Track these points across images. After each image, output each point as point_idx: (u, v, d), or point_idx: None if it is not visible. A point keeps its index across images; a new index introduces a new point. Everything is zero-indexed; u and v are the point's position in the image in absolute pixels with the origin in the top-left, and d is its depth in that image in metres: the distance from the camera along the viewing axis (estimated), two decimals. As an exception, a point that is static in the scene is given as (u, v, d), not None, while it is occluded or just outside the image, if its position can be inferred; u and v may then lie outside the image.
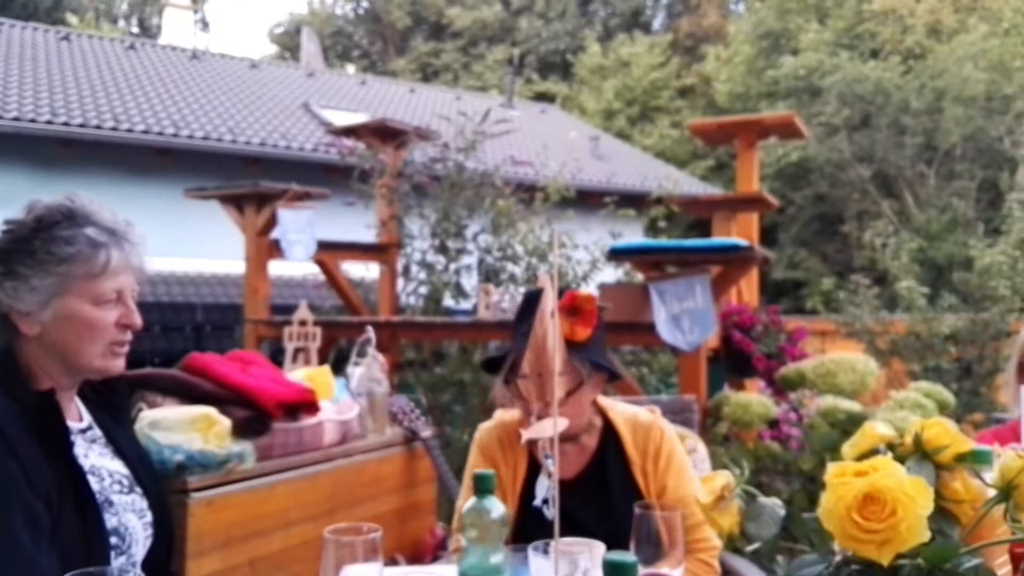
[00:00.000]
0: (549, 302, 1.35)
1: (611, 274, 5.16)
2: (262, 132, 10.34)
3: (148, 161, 9.34)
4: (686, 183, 12.31)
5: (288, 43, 24.28)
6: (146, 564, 1.45)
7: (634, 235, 7.22)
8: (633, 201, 6.11)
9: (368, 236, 4.97)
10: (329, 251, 4.56)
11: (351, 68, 22.37)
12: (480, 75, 20.62)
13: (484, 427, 1.95)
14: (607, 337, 3.61)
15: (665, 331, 3.31)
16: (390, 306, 4.73)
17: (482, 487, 1.32)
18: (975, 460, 1.12)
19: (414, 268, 4.81)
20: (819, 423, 3.61)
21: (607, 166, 12.12)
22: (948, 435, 1.14)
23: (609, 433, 1.86)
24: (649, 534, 1.31)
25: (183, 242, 8.31)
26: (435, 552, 2.71)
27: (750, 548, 1.20)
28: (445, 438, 4.21)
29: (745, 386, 4.10)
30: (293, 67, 15.44)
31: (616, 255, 3.76)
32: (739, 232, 4.42)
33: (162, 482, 1.66)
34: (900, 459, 1.16)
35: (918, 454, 1.15)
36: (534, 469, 1.85)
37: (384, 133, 4.76)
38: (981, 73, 11.99)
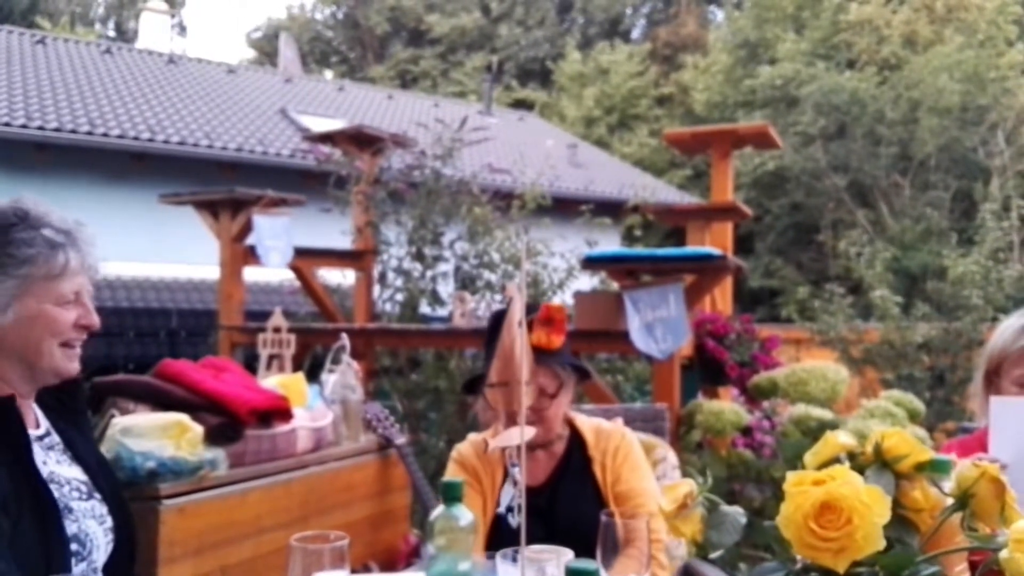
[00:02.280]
0: (517, 312, 1.36)
1: (587, 282, 5.17)
2: (239, 138, 10.28)
3: (124, 166, 9.26)
4: (664, 192, 12.37)
5: (266, 48, 24.14)
6: (108, 570, 1.44)
7: (611, 243, 7.24)
8: (610, 209, 6.14)
9: (344, 243, 4.95)
10: (305, 258, 4.55)
11: (329, 74, 22.29)
12: (459, 82, 20.62)
13: (461, 444, 2.02)
14: (582, 345, 3.65)
15: (639, 339, 3.33)
16: (366, 313, 4.72)
17: (450, 495, 1.32)
18: (934, 469, 1.14)
19: (390, 275, 4.81)
20: (791, 431, 3.65)
21: (585, 174, 12.16)
22: (908, 444, 1.15)
23: (575, 440, 1.97)
24: (615, 541, 1.32)
25: (159, 247, 8.25)
26: (408, 559, 2.71)
27: (713, 555, 1.22)
28: (421, 445, 4.20)
29: (719, 394, 4.12)
30: (271, 72, 15.37)
31: (591, 263, 3.78)
32: (713, 241, 4.45)
33: (126, 488, 1.65)
34: (861, 468, 1.18)
35: (878, 463, 1.17)
36: (508, 479, 1.91)
37: (361, 140, 4.76)
38: (956, 84, 12.14)
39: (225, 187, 4.45)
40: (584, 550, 1.31)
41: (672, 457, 2.38)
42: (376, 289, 4.84)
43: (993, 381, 1.83)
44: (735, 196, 12.82)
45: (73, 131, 8.90)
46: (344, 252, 4.89)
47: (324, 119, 11.09)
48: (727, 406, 3.63)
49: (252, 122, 11.09)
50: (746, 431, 3.81)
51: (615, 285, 4.37)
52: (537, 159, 7.00)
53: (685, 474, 3.49)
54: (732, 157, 4.74)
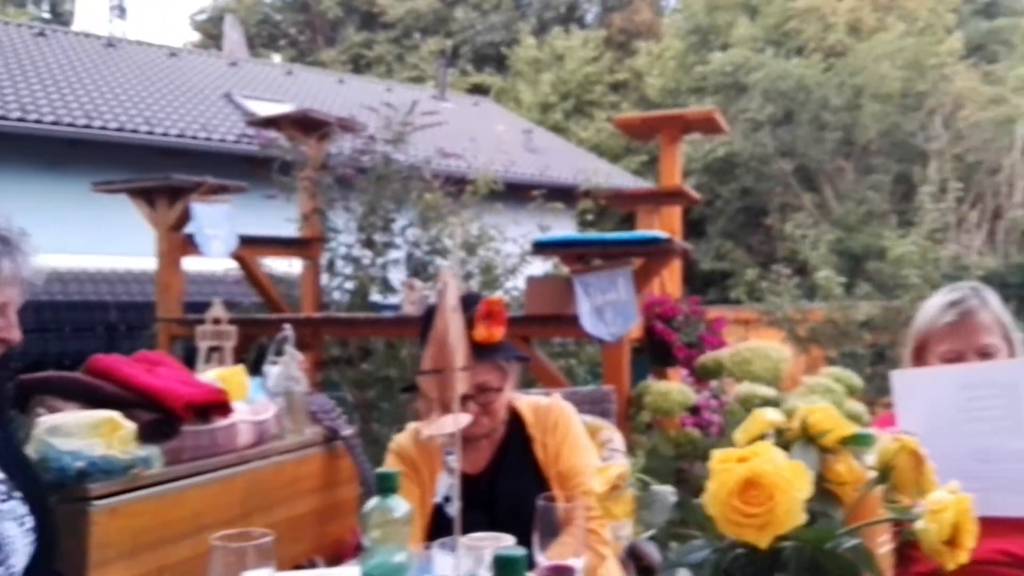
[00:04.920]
0: (450, 298, 1.36)
1: (541, 267, 5.19)
2: (180, 123, 10.04)
3: (58, 153, 8.95)
4: (619, 177, 12.43)
5: (211, 31, 23.51)
6: (28, 573, 1.41)
7: (567, 229, 7.27)
8: (566, 195, 6.15)
9: (290, 230, 4.88)
10: (249, 246, 4.45)
11: (277, 58, 21.83)
12: (415, 67, 20.40)
13: (399, 435, 2.00)
14: (534, 330, 3.66)
15: (588, 323, 3.36)
16: (313, 302, 4.66)
17: (385, 486, 1.31)
18: (857, 443, 1.16)
19: (339, 263, 4.75)
20: (737, 409, 3.70)
21: (541, 159, 12.15)
22: (832, 420, 1.18)
23: (515, 422, 1.96)
24: (551, 524, 1.33)
25: (96, 238, 8.02)
26: (356, 552, 2.69)
27: (645, 535, 1.23)
28: (372, 435, 4.17)
29: (668, 375, 4.18)
30: (215, 56, 15.01)
31: (541, 248, 3.78)
32: (663, 225, 4.48)
33: (54, 489, 1.60)
34: (788, 443, 1.20)
35: (804, 438, 1.19)
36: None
37: (306, 124, 4.67)
38: (897, 71, 12.39)
39: (162, 174, 4.34)
40: (527, 535, 1.31)
41: (618, 438, 2.40)
42: (324, 277, 4.78)
43: (921, 358, 1.87)
44: (687, 181, 12.97)
45: (3, 117, 8.60)
46: (290, 240, 4.81)
47: (271, 103, 10.87)
48: (675, 386, 3.68)
49: (195, 107, 10.83)
50: (694, 410, 3.87)
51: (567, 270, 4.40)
52: (492, 144, 6.98)
53: (633, 455, 3.54)
54: (681, 142, 4.78)
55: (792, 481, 1.00)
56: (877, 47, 12.83)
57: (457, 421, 1.37)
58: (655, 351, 4.04)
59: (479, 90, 19.17)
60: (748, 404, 3.73)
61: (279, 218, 4.85)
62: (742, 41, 14.08)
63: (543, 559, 1.32)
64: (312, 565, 2.51)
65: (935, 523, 0.99)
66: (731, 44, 14.23)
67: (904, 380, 1.73)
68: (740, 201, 13.43)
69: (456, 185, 5.05)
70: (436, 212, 4.69)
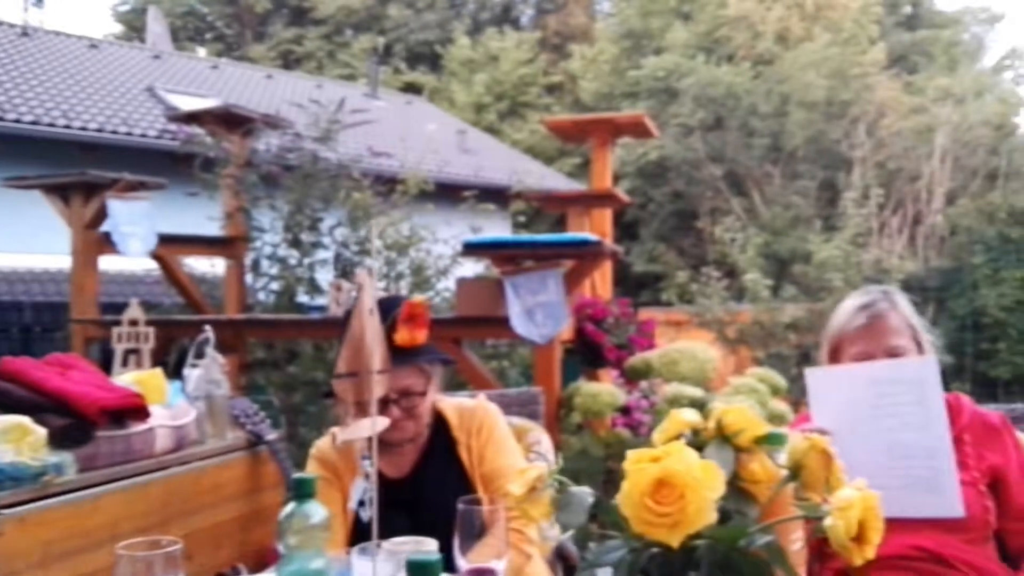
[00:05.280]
0: (367, 299, 1.34)
1: (472, 268, 5.17)
2: (100, 117, 9.70)
3: (-32, 147, 8.60)
4: (553, 179, 12.50)
5: (134, 23, 22.69)
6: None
7: (502, 230, 7.26)
8: (500, 196, 6.14)
9: (213, 229, 4.76)
10: (169, 245, 4.34)
11: (203, 52, 21.27)
12: (347, 64, 20.11)
13: (320, 439, 1.97)
14: (464, 331, 3.64)
15: (519, 324, 3.36)
16: (237, 303, 4.55)
17: (301, 491, 1.28)
18: (770, 443, 1.18)
19: (264, 263, 4.64)
20: (665, 409, 3.76)
21: (474, 160, 12.13)
22: (746, 420, 1.19)
23: (439, 424, 1.94)
24: (473, 527, 1.31)
25: (10, 235, 7.68)
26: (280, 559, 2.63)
27: (564, 536, 1.23)
28: (299, 439, 4.09)
29: (599, 376, 4.21)
30: (138, 48, 14.55)
31: (471, 249, 3.77)
32: (593, 227, 4.52)
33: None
34: (704, 443, 1.21)
35: (719, 438, 1.20)
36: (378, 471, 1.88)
37: (230, 120, 4.57)
38: (822, 80, 12.76)
39: (79, 170, 4.19)
40: (451, 538, 1.30)
41: (546, 440, 2.40)
42: (249, 278, 4.68)
43: (835, 359, 1.90)
44: (621, 184, 13.11)
45: (-92, 110, 8.23)
46: (213, 239, 4.70)
47: (196, 98, 10.58)
48: (604, 388, 3.71)
49: (116, 100, 10.46)
50: (624, 411, 3.91)
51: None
52: (424, 144, 6.92)
53: (563, 456, 3.55)
54: (612, 146, 4.83)
55: (703, 480, 1.01)
56: (803, 56, 13.18)
57: (374, 425, 1.35)
58: (586, 352, 4.07)
59: (412, 89, 19.02)
60: (676, 404, 3.79)
61: (202, 216, 4.72)
62: (674, 47, 14.31)
63: (464, 562, 1.31)
64: (235, 572, 2.45)
65: (842, 520, 1.01)
66: (664, 49, 14.44)
67: (817, 378, 1.76)
68: (672, 205, 13.64)
69: (386, 184, 4.99)
70: (365, 212, 4.62)
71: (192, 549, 2.43)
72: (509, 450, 1.94)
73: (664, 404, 3.81)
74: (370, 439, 1.81)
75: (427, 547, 1.45)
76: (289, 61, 20.79)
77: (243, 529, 2.56)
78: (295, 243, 4.59)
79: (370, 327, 1.32)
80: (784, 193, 12.06)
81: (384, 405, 1.81)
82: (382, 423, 1.37)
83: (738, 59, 14.06)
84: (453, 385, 3.67)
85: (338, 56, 20.58)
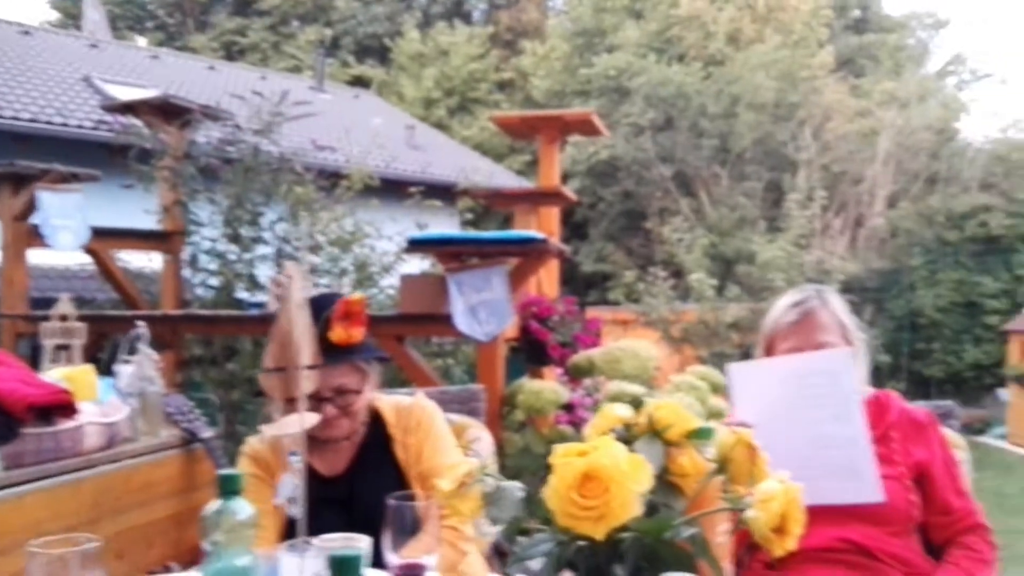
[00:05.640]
0: (296, 294, 1.31)
1: (418, 265, 5.14)
2: (33, 107, 9.37)
3: None
4: (503, 177, 12.48)
5: (70, 10, 21.87)
6: None
7: (450, 227, 7.23)
8: (447, 193, 6.10)
9: (150, 223, 4.65)
10: (103, 239, 4.22)
11: (142, 41, 20.69)
12: (292, 56, 19.72)
13: (253, 437, 1.95)
14: (408, 329, 3.61)
15: (462, 322, 3.34)
16: (174, 299, 4.44)
17: (227, 488, 1.27)
18: (698, 437, 1.19)
19: (203, 258, 4.54)
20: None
21: (423, 156, 12.05)
22: (676, 415, 1.20)
23: (376, 422, 1.92)
24: (403, 523, 1.31)
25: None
26: (215, 557, 2.59)
27: (496, 530, 1.23)
28: (238, 437, 4.02)
29: (543, 374, 4.22)
30: (74, 37, 14.09)
31: (416, 246, 3.74)
32: (540, 225, 4.52)
33: None
34: (635, 438, 1.22)
35: (649, 433, 1.21)
36: (306, 467, 1.85)
37: (167, 110, 4.45)
38: (771, 81, 12.95)
39: (5, 160, 4.05)
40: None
41: (487, 437, 2.39)
42: (187, 273, 4.57)
43: (770, 355, 1.93)
44: (571, 183, 13.15)
45: None
46: (149, 233, 4.58)
47: (135, 89, 10.27)
48: (547, 385, 3.72)
49: (50, 90, 10.11)
50: (568, 408, 3.92)
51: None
52: (371, 138, 6.85)
53: (506, 453, 3.55)
54: (559, 144, 4.83)
55: (630, 474, 1.02)
56: (754, 58, 13.36)
57: (302, 421, 1.33)
58: (530, 350, 4.07)
59: (360, 83, 18.75)
60: (618, 401, 3.81)
61: (138, 210, 4.60)
62: (626, 46, 14.38)
63: (395, 558, 1.30)
64: (167, 571, 2.40)
65: (764, 512, 1.03)
66: (616, 48, 14.50)
67: (739, 373, 1.80)
68: (622, 204, 13.73)
69: (330, 179, 4.92)
70: (308, 206, 4.55)
71: (123, 548, 2.38)
72: (446, 448, 1.93)
73: (606, 401, 3.83)
74: (309, 436, 1.82)
75: (358, 544, 1.46)
76: (233, 52, 20.29)
77: (177, 527, 2.51)
78: (235, 238, 4.50)
79: (299, 322, 1.30)
80: (731, 194, 12.24)
81: (318, 402, 1.79)
82: (311, 419, 1.35)
83: (689, 59, 14.19)
84: (397, 383, 3.65)
85: (283, 48, 20.16)
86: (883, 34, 16.87)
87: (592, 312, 7.19)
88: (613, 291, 9.68)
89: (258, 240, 4.53)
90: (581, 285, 13.02)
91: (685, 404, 3.64)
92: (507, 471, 3.47)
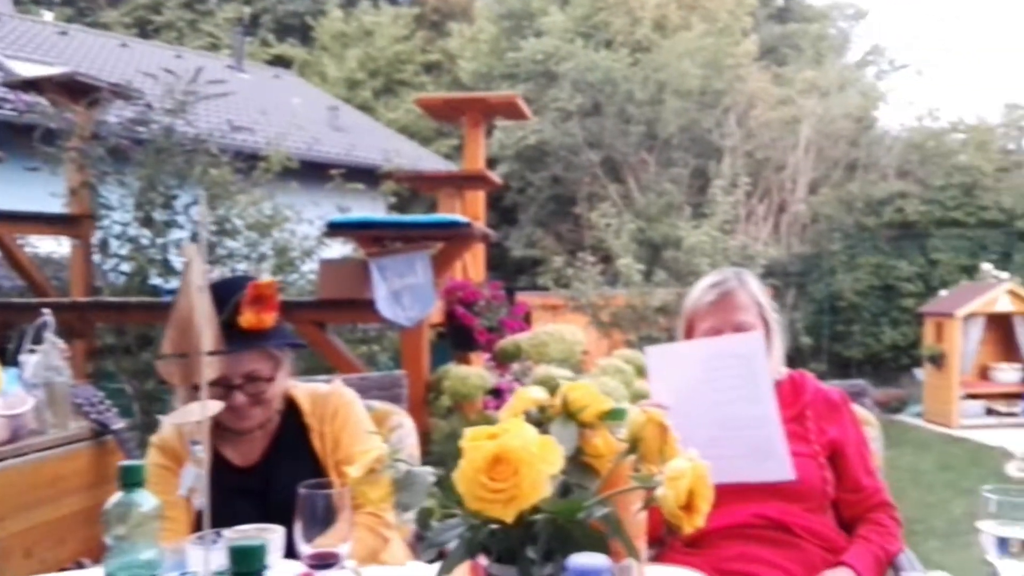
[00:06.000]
0: (195, 275, 1.25)
1: (340, 250, 5.04)
2: (-73, 83, 8.87)
3: None
4: (430, 160, 12.38)
5: (-30, -17, 20.84)
6: None
7: (374, 212, 7.10)
8: (370, 176, 6.00)
9: (57, 206, 4.45)
10: (7, 223, 4.04)
11: (49, 16, 19.71)
12: (210, 35, 19.03)
13: (162, 427, 1.90)
14: (328, 315, 3.54)
15: (385, 307, 3.29)
16: (83, 286, 4.27)
17: (128, 480, 1.21)
18: (611, 418, 1.19)
19: (114, 243, 4.36)
20: (534, 392, 3.78)
21: (346, 138, 11.83)
22: (590, 396, 1.19)
23: (291, 410, 1.88)
24: (314, 512, 1.28)
25: None
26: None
27: (406, 516, 1.21)
28: (154, 428, 3.89)
29: (470, 360, 4.20)
30: (-26, 10, 13.38)
31: (335, 229, 3.67)
32: (466, 209, 4.49)
33: None
34: (549, 419, 1.21)
35: (564, 414, 1.20)
36: (218, 461, 1.82)
37: (73, 88, 4.25)
38: (697, 69, 13.11)
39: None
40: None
41: (409, 423, 2.37)
42: (97, 258, 4.39)
43: (690, 335, 1.96)
44: (499, 168, 13.10)
45: None
46: (56, 216, 4.39)
47: (42, 66, 9.79)
48: (473, 371, 3.70)
49: (-52, 66, 9.61)
50: (496, 393, 3.92)
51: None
52: (293, 119, 6.68)
53: (431, 439, 3.52)
54: (485, 126, 4.80)
55: (540, 456, 1.01)
56: (680, 45, 13.49)
57: (204, 409, 1.27)
58: (456, 336, 4.05)
59: (281, 62, 18.27)
60: (546, 386, 3.81)
61: (44, 192, 4.39)
62: (553, 30, 14.36)
63: (307, 548, 1.27)
64: (79, 566, 2.33)
65: (673, 490, 1.03)
66: (543, 32, 14.48)
67: (656, 355, 1.82)
68: (551, 189, 13.75)
69: (247, 161, 4.77)
70: (224, 189, 4.41)
71: (32, 545, 2.29)
72: (366, 436, 1.89)
73: (532, 386, 3.83)
74: (222, 426, 1.75)
75: (271, 535, 1.40)
76: (146, 30, 19.48)
77: (89, 523, 2.44)
78: (147, 222, 4.33)
79: (199, 306, 1.24)
80: (658, 180, 12.37)
81: (228, 390, 1.74)
82: (213, 407, 1.29)
83: (616, 45, 14.26)
84: (323, 370, 3.58)
85: (200, 26, 19.42)
86: (805, 24, 17.26)
87: (522, 297, 7.21)
88: (543, 276, 9.71)
89: (172, 224, 4.37)
90: (511, 270, 13.03)
91: (611, 387, 3.68)
92: (433, 457, 3.45)
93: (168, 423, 1.64)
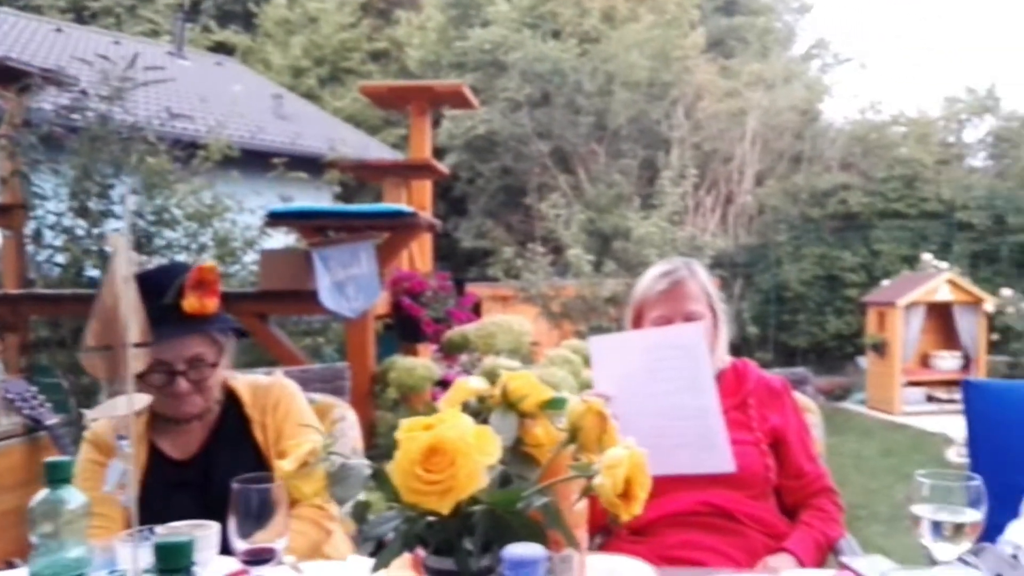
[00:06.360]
0: (121, 265, 1.21)
1: (284, 241, 4.93)
2: None
3: None
4: (377, 150, 12.22)
5: None
6: None
7: (319, 202, 6.98)
8: (314, 165, 5.89)
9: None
10: (-67, 213, 3.88)
11: (-24, -1, 18.95)
12: (150, 21, 18.48)
13: (96, 422, 1.83)
14: (270, 307, 3.47)
15: (328, 298, 3.24)
16: (16, 277, 4.12)
17: (55, 476, 1.18)
18: (551, 407, 1.17)
19: (48, 233, 4.23)
20: (482, 383, 3.76)
21: (291, 127, 11.59)
22: (530, 385, 1.18)
23: (231, 402, 1.85)
24: (249, 507, 1.25)
25: None
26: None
27: (344, 509, 1.18)
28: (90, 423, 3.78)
29: (418, 351, 4.16)
30: None
31: (276, 219, 3.59)
32: (412, 199, 4.44)
33: None
34: (489, 410, 1.19)
35: (503, 404, 1.19)
36: (155, 455, 1.79)
37: (3, 74, 4.10)
38: (646, 60, 13.17)
39: None
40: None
41: (352, 416, 2.33)
42: (31, 249, 4.24)
43: (639, 324, 1.96)
44: (448, 158, 12.99)
45: None
46: (-15, 206, 4.22)
47: (-31, 51, 9.44)
48: (420, 362, 3.67)
49: None
50: (444, 385, 3.89)
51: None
52: (235, 107, 6.52)
53: (377, 432, 3.48)
54: (431, 115, 4.75)
55: (476, 446, 0.99)
56: (628, 36, 13.54)
57: (131, 402, 1.22)
58: (403, 327, 4.01)
59: (223, 49, 17.85)
60: (494, 377, 3.80)
61: (-28, 181, 4.23)
62: (500, 19, 14.29)
63: (242, 544, 1.23)
64: (10, 566, 2.25)
65: (610, 478, 1.02)
66: (490, 21, 14.39)
67: (599, 345, 1.81)
68: (500, 180, 13.71)
69: (186, 150, 4.65)
70: (162, 178, 4.29)
71: (-39, 544, 2.20)
72: (308, 429, 1.87)
73: (482, 376, 3.81)
74: (159, 417, 1.70)
75: (205, 531, 1.36)
76: (83, 16, 18.83)
77: (21, 521, 2.34)
78: (82, 212, 4.20)
79: (125, 297, 1.19)
80: (608, 171, 12.42)
81: (171, 376, 1.71)
82: (140, 400, 1.25)
83: (565, 36, 14.25)
84: (266, 363, 3.50)
85: (140, 12, 18.84)
86: (751, 17, 17.44)
87: (472, 288, 7.18)
88: (493, 267, 9.68)
89: (108, 214, 4.24)
90: (461, 261, 12.97)
91: (559, 378, 3.67)
92: (379, 450, 3.41)
93: (91, 417, 1.59)
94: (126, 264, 1.22)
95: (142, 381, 1.70)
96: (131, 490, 1.23)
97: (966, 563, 1.18)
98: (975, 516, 1.13)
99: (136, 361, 1.24)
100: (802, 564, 1.65)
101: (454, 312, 4.21)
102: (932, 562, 1.15)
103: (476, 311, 5.22)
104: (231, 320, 1.86)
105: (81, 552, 1.17)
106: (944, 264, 8.89)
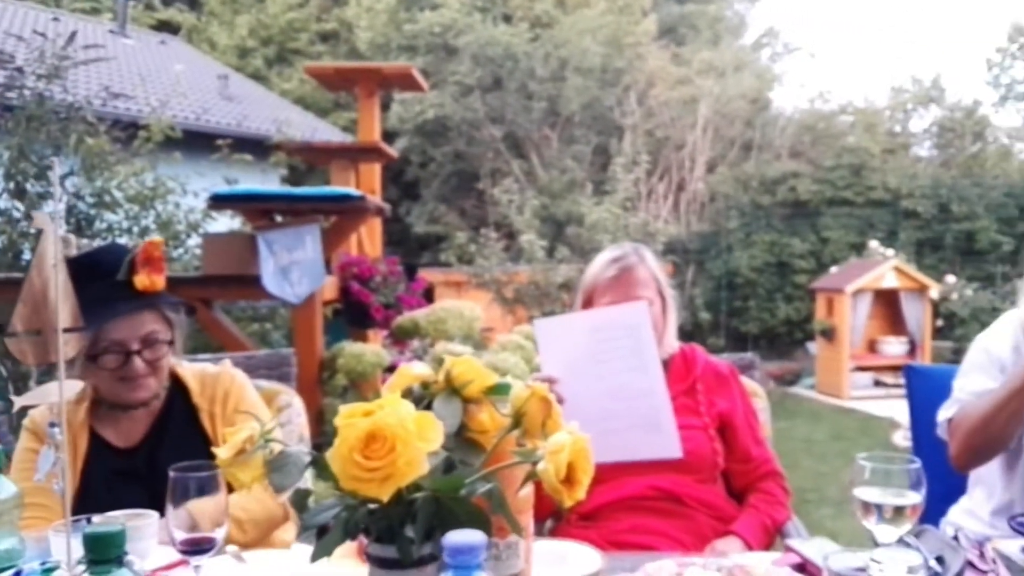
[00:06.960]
0: (49, 248, 1.16)
1: (229, 224, 4.83)
2: None
3: None
4: (326, 132, 12.03)
5: None
6: None
7: (265, 184, 6.85)
8: (264, 148, 5.76)
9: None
10: None
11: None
12: (91, -2, 17.92)
13: (35, 409, 1.79)
14: (212, 292, 3.39)
15: (271, 283, 3.18)
16: (-53, 261, 3.98)
17: None
18: (496, 393, 1.15)
19: (-17, 216, 4.08)
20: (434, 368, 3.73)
21: (238, 108, 11.36)
22: (474, 371, 1.16)
23: (177, 390, 1.82)
24: (187, 495, 1.22)
25: None
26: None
27: (282, 498, 1.15)
28: (27, 412, 3.66)
29: (367, 337, 4.11)
30: None
31: (219, 202, 3.50)
32: (361, 183, 4.37)
33: None
34: (433, 396, 1.17)
35: (447, 390, 1.17)
36: (97, 443, 1.75)
37: (-69, 50, 3.95)
38: (599, 47, 13.18)
39: None
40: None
41: (298, 403, 2.30)
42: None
43: (588, 309, 1.94)
44: (399, 142, 12.84)
45: None
46: (-85, 188, 4.05)
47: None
48: (369, 348, 3.63)
49: None
50: (395, 371, 3.84)
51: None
52: (178, 87, 6.35)
53: (326, 419, 3.43)
54: (380, 97, 4.67)
55: (417, 432, 0.97)
56: (581, 22, 13.52)
57: (62, 389, 1.18)
58: (352, 313, 3.96)
59: (167, 28, 17.38)
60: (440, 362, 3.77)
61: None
62: (451, 2, 14.14)
63: (180, 534, 1.20)
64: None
65: (553, 463, 1.01)
66: (441, 4, 14.24)
67: (545, 328, 1.80)
68: (453, 165, 13.61)
69: (127, 130, 4.51)
70: (102, 159, 4.15)
71: None
72: (260, 416, 1.84)
73: (433, 363, 3.79)
74: (105, 404, 1.64)
75: (145, 520, 1.35)
76: (21, -6, 18.17)
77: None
78: (19, 194, 4.05)
79: (53, 281, 1.14)
80: (561, 157, 12.42)
81: (126, 357, 1.67)
82: (73, 387, 1.20)
83: (516, 20, 14.17)
84: (212, 349, 3.43)
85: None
86: (703, 5, 17.53)
87: (424, 274, 7.12)
88: (446, 253, 9.62)
89: (46, 196, 4.10)
90: (414, 246, 12.88)
91: (511, 363, 3.66)
92: (328, 438, 3.36)
93: (20, 404, 1.53)
94: (54, 245, 1.17)
95: (95, 364, 1.66)
96: (64, 479, 1.19)
97: (908, 545, 1.19)
98: (915, 498, 1.14)
99: (67, 346, 1.19)
100: (749, 547, 1.67)
101: (404, 298, 4.17)
102: (875, 544, 1.16)
103: (429, 297, 5.18)
104: (178, 299, 1.83)
105: (12, 543, 1.13)
106: (890, 251, 9.08)
